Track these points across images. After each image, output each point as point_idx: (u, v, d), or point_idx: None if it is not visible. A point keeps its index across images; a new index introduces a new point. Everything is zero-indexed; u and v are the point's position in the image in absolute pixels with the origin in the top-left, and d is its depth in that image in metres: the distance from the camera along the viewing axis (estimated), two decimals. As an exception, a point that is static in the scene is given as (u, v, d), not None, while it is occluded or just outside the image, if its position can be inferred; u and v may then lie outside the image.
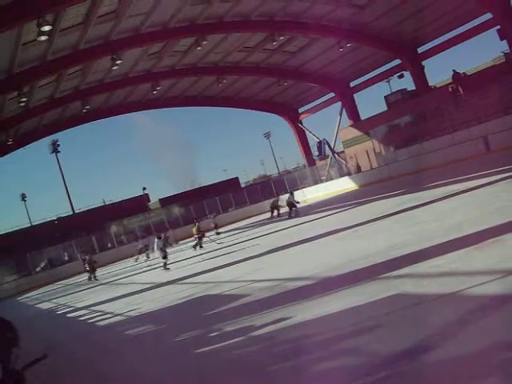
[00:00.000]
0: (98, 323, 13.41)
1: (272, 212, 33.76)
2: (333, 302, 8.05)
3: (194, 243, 27.28)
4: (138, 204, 56.15)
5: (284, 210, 32.73)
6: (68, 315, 17.27)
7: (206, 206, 49.71)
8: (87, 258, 28.77)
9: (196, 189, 65.21)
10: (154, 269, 24.49)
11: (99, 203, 63.49)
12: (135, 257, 34.06)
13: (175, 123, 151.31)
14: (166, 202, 58.76)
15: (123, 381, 7.60)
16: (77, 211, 59.33)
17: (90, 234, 45.68)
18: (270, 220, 32.10)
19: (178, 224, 46.54)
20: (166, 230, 26.50)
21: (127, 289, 19.19)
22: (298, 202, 30.93)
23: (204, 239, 27.38)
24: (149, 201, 61.06)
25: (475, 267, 7.38)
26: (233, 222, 44.67)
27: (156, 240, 22.55)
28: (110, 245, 46.54)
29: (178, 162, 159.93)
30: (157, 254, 22.29)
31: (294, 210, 30.21)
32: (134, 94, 44.58)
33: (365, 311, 7.15)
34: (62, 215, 58.06)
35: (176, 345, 8.66)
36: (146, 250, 31.63)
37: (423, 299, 6.78)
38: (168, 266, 21.67)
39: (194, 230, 27.11)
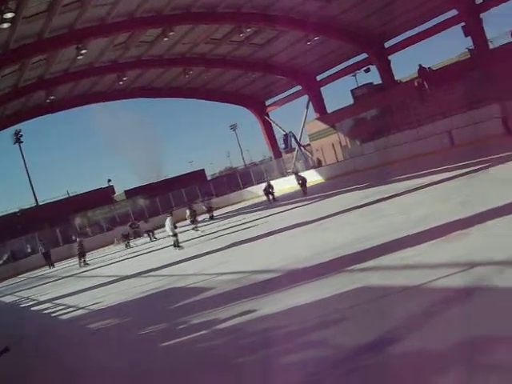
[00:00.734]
0: (62, 317, 13.22)
1: (268, 197, 33.23)
2: (299, 295, 8.07)
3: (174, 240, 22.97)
4: (103, 196, 55.43)
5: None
6: (32, 308, 17.01)
7: (172, 198, 49.43)
8: (77, 241, 28.59)
9: (162, 181, 64.74)
10: (121, 260, 24.38)
11: (63, 195, 62.51)
12: (115, 242, 33.82)
13: (141, 114, 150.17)
14: (131, 193, 58.21)
15: (87, 375, 7.49)
16: (40, 203, 58.36)
17: (53, 226, 45.00)
18: (268, 205, 31.16)
19: (143, 216, 46.23)
20: (171, 211, 25.88)
21: (92, 282, 18.98)
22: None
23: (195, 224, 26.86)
24: (114, 193, 60.40)
25: (440, 260, 7.46)
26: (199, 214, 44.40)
27: (168, 219, 22.07)
28: (73, 237, 45.94)
29: (143, 154, 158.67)
30: (169, 231, 21.83)
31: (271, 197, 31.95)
32: (99, 85, 43.97)
33: (331, 304, 7.19)
34: (25, 207, 57.03)
35: (141, 338, 8.58)
36: (126, 238, 31.43)
37: (388, 292, 6.83)
38: (181, 244, 21.51)
39: (188, 214, 26.71)
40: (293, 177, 44.42)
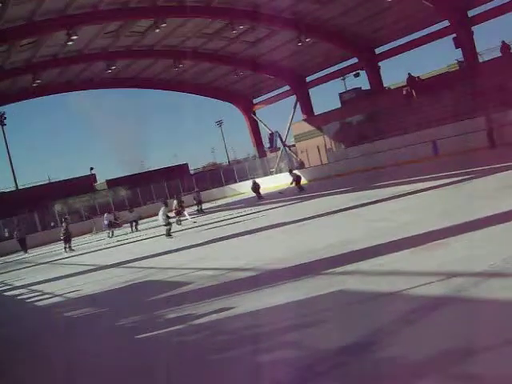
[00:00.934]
0: (37, 303, 13.09)
1: (257, 194, 32.95)
2: (276, 295, 8.06)
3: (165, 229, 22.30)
4: (85, 184, 55.03)
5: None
6: (5, 294, 16.83)
7: (154, 190, 49.22)
8: (63, 225, 28.27)
9: (144, 172, 64.45)
10: (103, 249, 24.25)
11: (44, 180, 62.04)
12: (93, 231, 33.36)
13: (127, 105, 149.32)
14: (113, 183, 57.83)
15: (60, 364, 7.42)
16: (20, 187, 57.82)
17: (32, 211, 44.61)
18: (257, 202, 30.66)
19: (124, 207, 46.01)
20: (165, 200, 25.49)
21: (69, 270, 18.81)
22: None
23: (182, 217, 26.78)
24: (95, 181, 60.03)
25: (419, 268, 7.51)
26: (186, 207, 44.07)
27: (162, 208, 22.18)
28: (52, 223, 45.59)
29: (127, 144, 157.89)
30: (161, 221, 21.90)
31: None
32: (87, 72, 43.72)
33: (308, 305, 7.19)
34: (5, 190, 56.46)
35: (116, 329, 8.52)
36: (111, 226, 31.24)
37: (367, 297, 6.85)
38: (171, 234, 21.56)
39: (175, 205, 26.53)
40: (277, 175, 44.70)
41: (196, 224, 25.27)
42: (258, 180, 35.91)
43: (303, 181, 36.71)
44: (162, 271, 13.11)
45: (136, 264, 15.90)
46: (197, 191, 34.56)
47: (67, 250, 27.11)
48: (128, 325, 8.62)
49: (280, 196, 29.79)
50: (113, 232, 30.99)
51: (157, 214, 23.22)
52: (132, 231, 30.67)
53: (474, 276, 6.53)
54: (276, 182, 41.94)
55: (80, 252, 25.88)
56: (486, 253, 7.41)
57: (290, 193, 30.23)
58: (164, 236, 21.75)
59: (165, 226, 21.79)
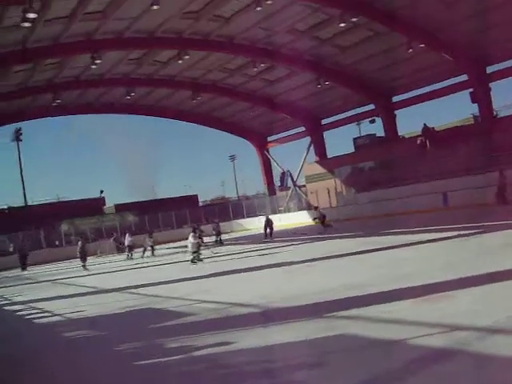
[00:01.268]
0: (36, 321, 13.09)
1: (265, 231, 31.18)
2: (278, 334, 8.05)
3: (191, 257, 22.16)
4: (93, 206, 55.26)
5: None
6: (5, 308, 16.82)
7: (161, 218, 49.32)
8: (79, 244, 28.46)
9: (153, 200, 64.69)
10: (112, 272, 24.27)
11: (53, 199, 62.29)
12: (98, 254, 32.92)
13: (142, 130, 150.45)
14: (121, 208, 58.08)
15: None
16: (29, 203, 58.10)
17: (39, 228, 44.75)
18: (264, 240, 29.94)
19: (130, 232, 46.09)
20: (196, 228, 24.67)
21: (70, 290, 18.83)
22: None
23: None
24: (104, 204, 60.26)
25: (422, 319, 7.48)
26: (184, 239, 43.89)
27: (191, 235, 21.97)
28: (57, 242, 45.68)
29: (139, 170, 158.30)
30: (190, 248, 21.69)
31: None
32: (107, 96, 44.33)
33: (309, 346, 7.18)
34: (14, 205, 56.75)
35: (115, 354, 8.51)
36: (131, 249, 30.96)
37: (369, 343, 6.83)
38: (201, 258, 21.59)
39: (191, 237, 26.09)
40: (283, 215, 44.63)
41: (216, 254, 25.21)
42: (271, 216, 34.97)
43: (306, 222, 36.76)
44: (165, 300, 13.09)
45: (137, 290, 15.87)
46: (216, 222, 33.95)
47: (84, 268, 27.20)
48: (127, 351, 8.61)
49: (291, 235, 29.59)
50: (132, 254, 30.71)
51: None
52: (149, 256, 30.18)
53: (477, 331, 6.52)
54: (284, 220, 41.96)
55: (93, 272, 25.90)
56: (490, 308, 7.41)
57: (299, 233, 30.20)
58: (186, 262, 21.65)
59: (193, 252, 21.56)
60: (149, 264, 26.02)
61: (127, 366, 7.66)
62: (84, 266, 27.49)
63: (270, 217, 33.07)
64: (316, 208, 31.36)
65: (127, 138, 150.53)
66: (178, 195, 65.54)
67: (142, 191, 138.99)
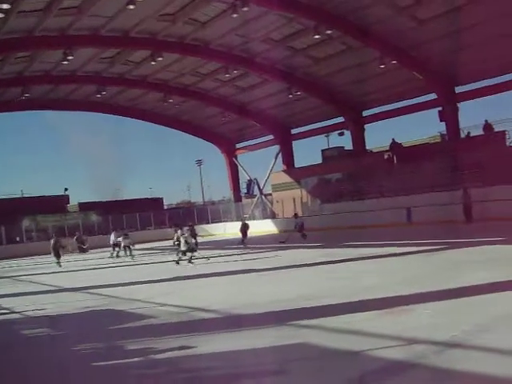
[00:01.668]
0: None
1: (243, 236, 30.50)
2: (238, 340, 8.09)
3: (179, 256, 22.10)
4: (57, 203, 54.56)
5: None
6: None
7: (125, 219, 48.92)
8: (52, 240, 28.01)
9: (118, 200, 64.19)
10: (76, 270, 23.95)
11: (17, 194, 61.35)
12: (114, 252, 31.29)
13: (111, 131, 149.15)
14: (85, 207, 57.47)
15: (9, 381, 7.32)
16: (-9, 198, 57.02)
17: (0, 224, 44.01)
18: (238, 245, 29.48)
19: (93, 231, 45.70)
20: (192, 227, 24.40)
21: (30, 287, 18.57)
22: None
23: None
24: (68, 202, 59.55)
25: (382, 331, 7.58)
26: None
27: (187, 234, 21.84)
28: (18, 238, 44.98)
29: (105, 170, 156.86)
30: (183, 247, 21.46)
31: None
32: (77, 93, 43.80)
33: (268, 354, 7.22)
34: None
35: (73, 354, 8.42)
36: (116, 246, 29.81)
37: (328, 353, 6.92)
38: (193, 261, 21.22)
39: (177, 236, 24.47)
40: (251, 221, 44.52)
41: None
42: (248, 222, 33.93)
43: (270, 230, 36.82)
44: (127, 301, 12.99)
45: (99, 291, 15.70)
46: (191, 225, 32.53)
47: (58, 265, 26.97)
48: (86, 351, 8.53)
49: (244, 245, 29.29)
50: (118, 253, 29.55)
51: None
52: (126, 255, 28.93)
53: (435, 345, 6.64)
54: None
55: (58, 270, 25.52)
56: (449, 323, 7.57)
57: (263, 241, 30.21)
58: (155, 264, 21.61)
59: (189, 251, 21.45)
60: (118, 264, 25.76)
61: (86, 367, 7.59)
62: (58, 262, 27.26)
63: (246, 222, 32.72)
64: (296, 215, 30.82)
65: (95, 136, 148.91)
66: (143, 197, 65.21)
67: (107, 191, 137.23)
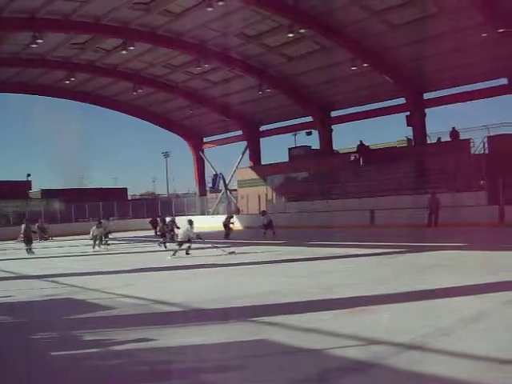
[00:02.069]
0: None
1: (226, 230, 29.80)
2: (198, 334, 8.03)
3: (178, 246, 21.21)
4: (19, 189, 53.73)
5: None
6: None
7: (88, 208, 48.36)
8: (23, 226, 27.29)
9: (81, 189, 63.54)
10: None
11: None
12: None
13: (77, 118, 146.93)
14: (48, 194, 56.67)
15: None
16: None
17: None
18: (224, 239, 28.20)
19: (55, 219, 45.10)
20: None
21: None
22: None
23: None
24: (30, 189, 58.67)
25: (342, 331, 7.62)
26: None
27: (188, 226, 20.94)
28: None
29: (69, 158, 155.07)
30: (183, 237, 20.73)
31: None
32: (45, 77, 43.13)
33: (229, 350, 7.21)
34: None
35: (31, 343, 8.28)
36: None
37: (288, 350, 6.92)
38: (189, 252, 20.74)
39: (160, 226, 24.90)
40: (211, 217, 44.51)
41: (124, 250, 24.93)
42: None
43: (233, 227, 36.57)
44: (87, 291, 12.82)
45: (59, 279, 15.47)
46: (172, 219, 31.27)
47: (28, 251, 26.23)
48: (44, 340, 8.41)
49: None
50: (107, 241, 28.23)
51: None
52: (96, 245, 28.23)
53: (394, 346, 6.70)
54: (213, 222, 41.87)
55: (17, 256, 25.08)
56: (409, 325, 7.63)
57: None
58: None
59: (187, 242, 20.82)
60: (87, 253, 25.33)
61: (42, 356, 7.47)
62: (29, 249, 26.45)
63: (229, 215, 31.77)
64: (264, 213, 29.94)
65: (61, 123, 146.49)
66: (107, 186, 64.61)
67: (71, 179, 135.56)
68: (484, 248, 16.87)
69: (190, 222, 21.31)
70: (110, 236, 29.05)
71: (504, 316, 8.07)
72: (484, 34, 28.57)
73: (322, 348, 6.84)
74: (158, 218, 28.72)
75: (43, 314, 10.53)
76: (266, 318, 8.71)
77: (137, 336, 8.02)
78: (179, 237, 21.40)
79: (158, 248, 24.60)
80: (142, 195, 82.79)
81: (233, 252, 20.50)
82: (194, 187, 59.53)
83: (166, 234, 25.94)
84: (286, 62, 38.13)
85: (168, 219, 25.53)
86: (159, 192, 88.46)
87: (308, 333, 7.71)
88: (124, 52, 35.49)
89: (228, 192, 51.51)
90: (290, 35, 32.65)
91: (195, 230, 21.18)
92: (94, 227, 26.60)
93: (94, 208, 48.33)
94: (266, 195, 42.61)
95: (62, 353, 7.48)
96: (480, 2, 27.69)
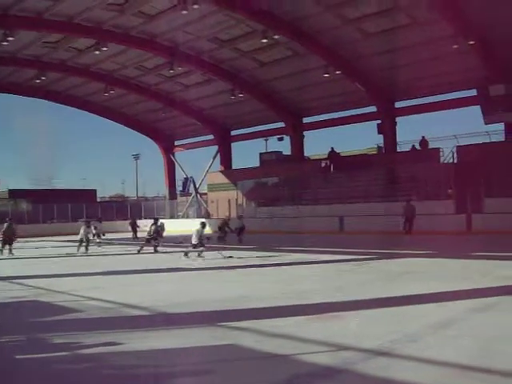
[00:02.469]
0: None
1: (221, 232, 27.76)
2: (167, 339, 7.98)
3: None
4: (-15, 189, 53.03)
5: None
6: None
7: (57, 210, 47.77)
8: (5, 225, 25.35)
9: (49, 189, 62.72)
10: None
11: None
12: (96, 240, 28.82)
13: (46, 118, 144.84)
14: (15, 194, 55.94)
15: None
16: None
17: None
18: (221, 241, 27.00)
19: (23, 220, 44.39)
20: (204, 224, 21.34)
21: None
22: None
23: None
24: (-3, 188, 57.93)
25: (311, 336, 7.63)
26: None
27: (197, 229, 20.34)
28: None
29: (37, 157, 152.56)
30: (195, 241, 20.00)
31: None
32: (15, 76, 42.54)
33: (198, 354, 7.17)
34: None
35: (-4, 345, 8.14)
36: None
37: (257, 355, 6.91)
38: (203, 255, 20.01)
39: (153, 229, 23.82)
40: (181, 220, 44.32)
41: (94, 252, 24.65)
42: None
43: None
44: (51, 293, 12.64)
45: (24, 281, 15.23)
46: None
47: (7, 252, 24.76)
48: (8, 343, 8.25)
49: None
50: (100, 243, 27.80)
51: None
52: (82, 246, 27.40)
53: (363, 352, 6.73)
54: (183, 226, 41.67)
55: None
56: (377, 332, 7.68)
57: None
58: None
59: (199, 246, 20.16)
60: (61, 254, 24.80)
61: (7, 360, 7.34)
62: (10, 250, 24.91)
63: (226, 219, 29.73)
64: (241, 217, 29.69)
65: (30, 122, 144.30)
66: (76, 188, 63.95)
67: (39, 179, 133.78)
68: (453, 256, 17.15)
69: (203, 225, 20.73)
70: (102, 237, 28.59)
71: (472, 323, 8.19)
72: (455, 46, 29.01)
73: (290, 353, 6.85)
74: (150, 220, 26.87)
75: (8, 317, 10.35)
76: (235, 323, 8.69)
77: (105, 340, 7.91)
78: (192, 240, 20.42)
79: (133, 250, 23.98)
80: (111, 197, 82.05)
81: (231, 256, 19.80)
82: (164, 190, 59.30)
83: (158, 237, 24.77)
84: (259, 67, 38.24)
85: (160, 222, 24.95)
86: (128, 194, 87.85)
87: (277, 338, 7.71)
88: (97, 52, 35.21)
89: (198, 196, 51.42)
90: (264, 41, 32.76)
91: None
92: (83, 228, 25.64)
93: (63, 209, 47.79)
94: (237, 200, 42.57)
95: (28, 356, 7.35)
96: (450, 14, 28.12)
